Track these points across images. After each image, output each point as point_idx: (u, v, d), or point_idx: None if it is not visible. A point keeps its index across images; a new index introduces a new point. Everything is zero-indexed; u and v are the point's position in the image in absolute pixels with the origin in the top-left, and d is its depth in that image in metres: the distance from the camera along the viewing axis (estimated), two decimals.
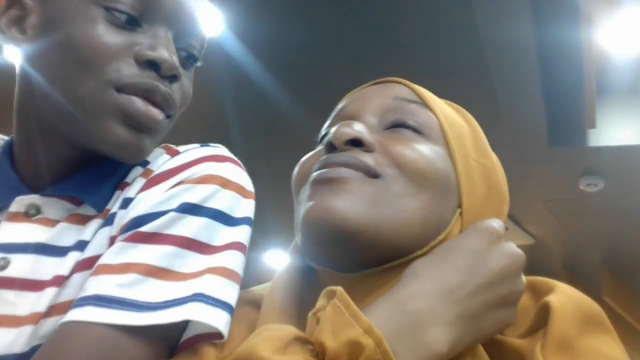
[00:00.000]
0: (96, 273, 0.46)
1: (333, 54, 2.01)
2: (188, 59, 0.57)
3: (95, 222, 0.53)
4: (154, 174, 0.53)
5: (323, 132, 0.57)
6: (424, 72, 2.00)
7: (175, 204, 0.48)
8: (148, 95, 0.50)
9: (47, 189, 0.54)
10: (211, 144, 0.57)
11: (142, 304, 0.44)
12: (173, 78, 0.53)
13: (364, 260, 0.46)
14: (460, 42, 1.91)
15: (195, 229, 0.48)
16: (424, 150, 0.49)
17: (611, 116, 2.47)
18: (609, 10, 1.97)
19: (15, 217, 0.52)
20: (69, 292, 0.48)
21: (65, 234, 0.52)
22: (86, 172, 0.55)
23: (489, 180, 0.53)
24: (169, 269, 0.46)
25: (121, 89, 0.49)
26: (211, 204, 0.50)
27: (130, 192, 0.53)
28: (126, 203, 0.52)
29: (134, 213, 0.49)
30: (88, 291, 0.44)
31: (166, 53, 0.51)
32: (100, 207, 0.53)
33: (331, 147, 0.49)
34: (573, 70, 2.08)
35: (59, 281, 0.49)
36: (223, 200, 0.50)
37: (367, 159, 0.47)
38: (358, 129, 0.48)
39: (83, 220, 0.53)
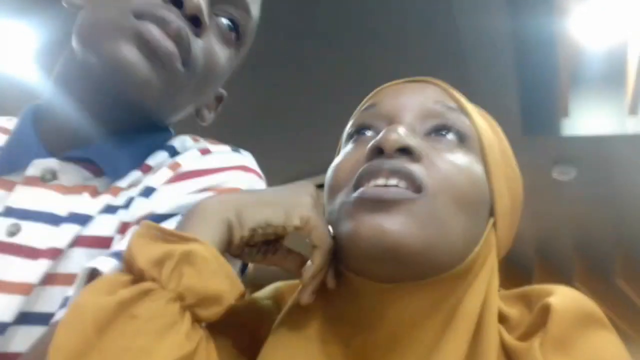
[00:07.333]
0: None
1: (308, 42, 2.00)
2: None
3: (103, 198, 0.52)
4: (181, 168, 0.53)
5: (352, 128, 0.54)
6: (398, 59, 2.01)
7: None
8: (163, 25, 0.50)
9: (66, 153, 0.53)
10: (241, 151, 0.58)
11: None
12: (196, 22, 0.53)
13: (406, 276, 0.46)
14: (437, 32, 1.92)
15: None
16: (469, 167, 0.48)
17: (584, 105, 2.51)
18: (582, 0, 2.00)
19: (31, 181, 0.52)
20: (65, 266, 0.48)
21: (73, 204, 0.51)
22: (107, 141, 0.55)
23: (512, 190, 0.53)
24: None
25: (140, 15, 0.50)
26: None
27: (153, 181, 0.52)
28: (148, 192, 0.51)
29: (154, 207, 0.49)
30: None
31: None
32: (116, 175, 0.53)
33: (378, 152, 0.47)
34: (547, 59, 2.11)
35: (54, 253, 0.48)
36: None
37: (416, 169, 0.46)
38: (407, 136, 0.47)
39: (95, 193, 0.52)
